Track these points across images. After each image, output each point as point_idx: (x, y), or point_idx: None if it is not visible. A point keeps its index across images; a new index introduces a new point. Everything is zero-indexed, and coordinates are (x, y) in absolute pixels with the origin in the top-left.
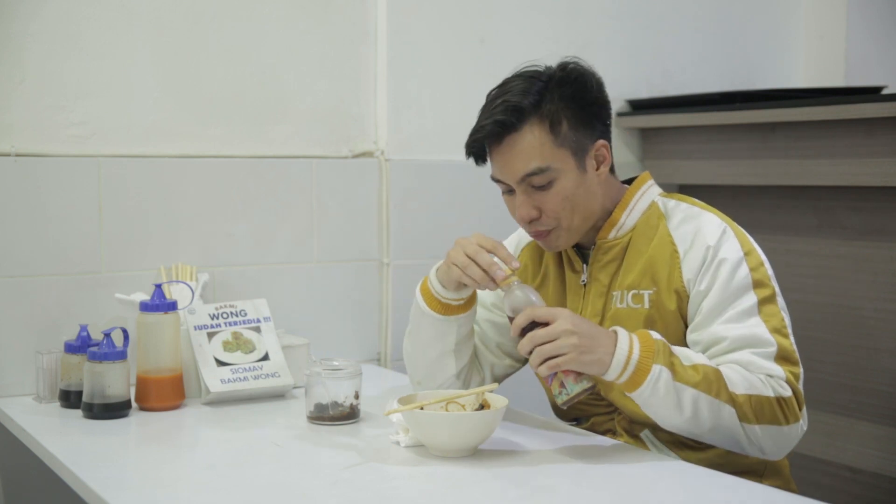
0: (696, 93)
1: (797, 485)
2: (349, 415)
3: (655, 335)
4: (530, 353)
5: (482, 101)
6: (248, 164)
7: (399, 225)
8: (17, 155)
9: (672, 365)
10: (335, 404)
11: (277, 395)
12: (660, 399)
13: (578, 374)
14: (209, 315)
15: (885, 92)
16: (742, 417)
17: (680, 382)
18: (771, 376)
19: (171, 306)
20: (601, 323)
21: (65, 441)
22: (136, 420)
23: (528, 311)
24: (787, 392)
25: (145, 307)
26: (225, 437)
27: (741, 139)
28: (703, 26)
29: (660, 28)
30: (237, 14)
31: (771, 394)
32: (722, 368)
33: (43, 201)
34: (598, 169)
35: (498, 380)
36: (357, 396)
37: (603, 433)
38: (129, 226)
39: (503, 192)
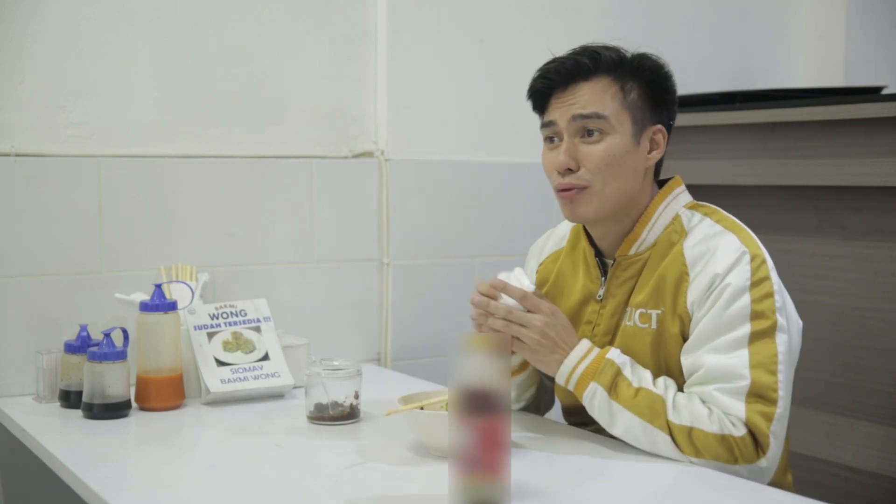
0: (696, 93)
1: (797, 484)
2: (349, 415)
3: (611, 355)
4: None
5: (482, 101)
6: (247, 164)
7: (399, 225)
8: (17, 155)
9: (615, 385)
10: (335, 404)
11: (277, 395)
12: (595, 414)
13: None
14: (209, 315)
15: (885, 92)
16: (681, 448)
17: (617, 402)
18: (727, 413)
19: (171, 306)
20: (612, 341)
21: (65, 441)
22: (136, 420)
23: (524, 293)
24: (740, 432)
25: (145, 307)
26: (225, 437)
27: (741, 139)
28: (703, 26)
29: (660, 28)
30: (237, 14)
31: (716, 430)
32: (674, 396)
33: (43, 201)
34: (649, 152)
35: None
36: (357, 396)
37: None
38: (129, 226)
39: (546, 141)
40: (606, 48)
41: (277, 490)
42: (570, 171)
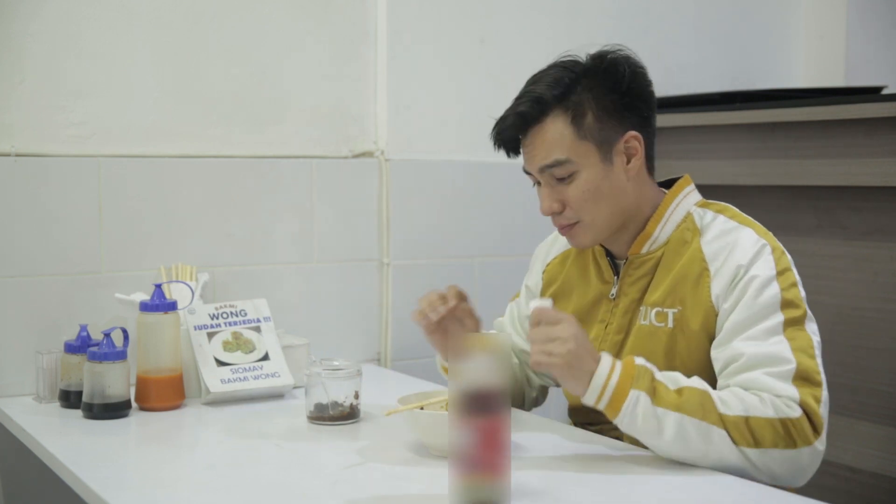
0: (696, 93)
1: None
2: (349, 415)
3: (640, 361)
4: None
5: (482, 101)
6: (247, 164)
7: (399, 225)
8: (17, 155)
9: (654, 390)
10: (335, 404)
11: (277, 395)
12: (639, 425)
13: None
14: (209, 315)
15: (885, 92)
16: (738, 440)
17: (661, 407)
18: (778, 396)
19: (171, 306)
20: (625, 339)
21: (65, 441)
22: (136, 420)
23: (537, 312)
24: (796, 413)
25: (145, 307)
26: (225, 437)
27: (741, 139)
28: (703, 26)
29: (660, 28)
30: (237, 14)
31: (772, 414)
32: (716, 391)
33: (43, 201)
34: (628, 163)
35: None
36: (357, 396)
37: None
38: (129, 226)
39: (534, 185)
40: (552, 83)
41: (277, 490)
42: (556, 212)
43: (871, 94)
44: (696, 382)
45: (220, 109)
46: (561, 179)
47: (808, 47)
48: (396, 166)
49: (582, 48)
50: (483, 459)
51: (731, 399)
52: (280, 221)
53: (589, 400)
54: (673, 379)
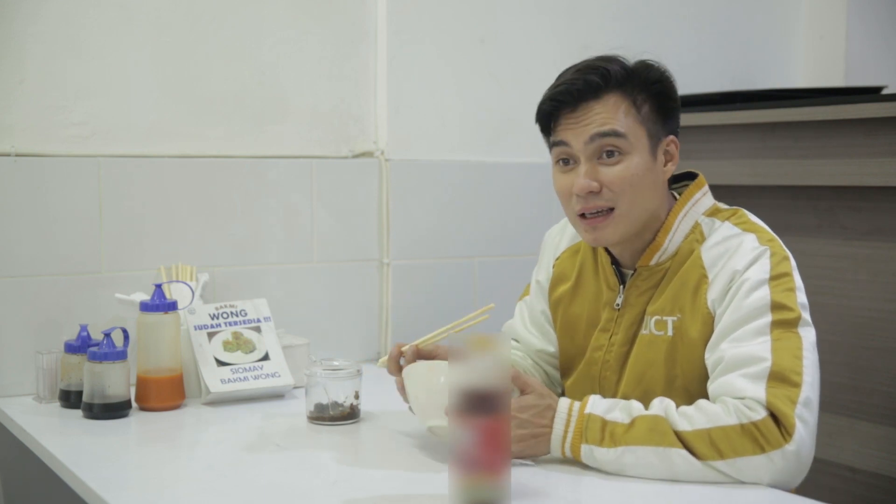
0: (696, 93)
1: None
2: (349, 415)
3: (589, 408)
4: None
5: (482, 101)
6: (248, 164)
7: (399, 225)
8: (18, 155)
9: (605, 436)
10: (335, 404)
11: (277, 395)
12: (605, 467)
13: None
14: (209, 315)
15: (885, 92)
16: (702, 455)
17: (615, 447)
18: (742, 399)
19: (171, 306)
20: (630, 350)
21: (65, 441)
22: (136, 420)
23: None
24: (759, 415)
25: (145, 307)
26: (225, 437)
27: (741, 139)
28: (703, 26)
29: (660, 27)
30: (237, 14)
31: (734, 421)
32: (677, 408)
33: (43, 201)
34: (665, 165)
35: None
36: (357, 396)
37: None
38: (129, 226)
39: (557, 164)
40: (609, 61)
41: (277, 490)
42: (593, 191)
43: (871, 94)
44: (653, 408)
45: (220, 109)
46: (609, 156)
47: (808, 47)
48: (396, 166)
49: (582, 48)
50: (483, 459)
51: (694, 414)
52: (280, 221)
53: (556, 454)
54: (629, 411)
